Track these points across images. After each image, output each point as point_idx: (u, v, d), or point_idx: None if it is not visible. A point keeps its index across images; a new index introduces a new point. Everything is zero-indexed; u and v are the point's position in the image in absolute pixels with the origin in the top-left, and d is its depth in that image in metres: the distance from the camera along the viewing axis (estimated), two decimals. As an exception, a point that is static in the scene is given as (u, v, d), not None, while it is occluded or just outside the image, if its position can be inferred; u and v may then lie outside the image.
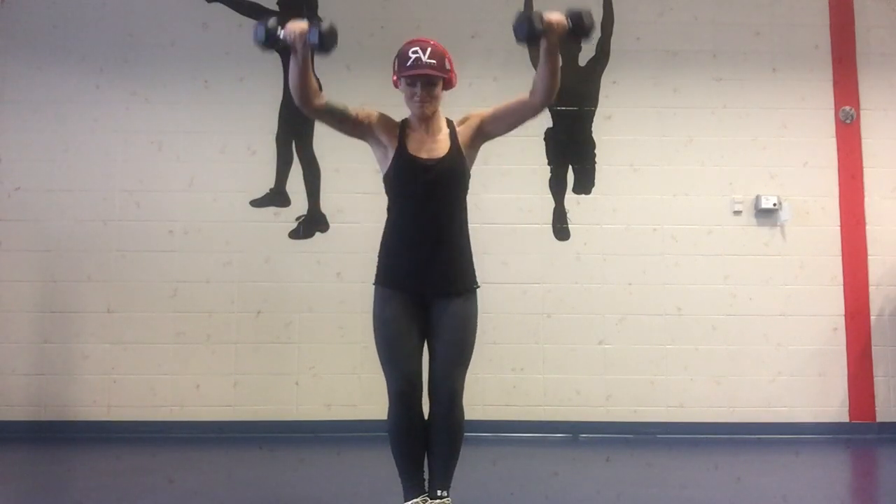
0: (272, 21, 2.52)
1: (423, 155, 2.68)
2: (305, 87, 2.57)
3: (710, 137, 5.17)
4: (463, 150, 2.72)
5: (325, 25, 2.46)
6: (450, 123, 2.78)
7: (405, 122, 2.76)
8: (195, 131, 5.11)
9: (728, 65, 5.22)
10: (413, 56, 2.62)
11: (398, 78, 2.70)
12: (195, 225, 5.04)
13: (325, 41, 2.45)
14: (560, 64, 2.61)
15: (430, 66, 2.61)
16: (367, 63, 5.15)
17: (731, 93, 5.20)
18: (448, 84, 2.73)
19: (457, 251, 2.71)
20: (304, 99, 2.60)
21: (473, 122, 2.75)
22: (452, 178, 2.70)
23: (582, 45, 2.47)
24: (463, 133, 2.74)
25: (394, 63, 2.71)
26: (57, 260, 4.98)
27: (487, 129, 2.75)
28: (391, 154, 2.70)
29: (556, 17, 2.47)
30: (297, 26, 2.47)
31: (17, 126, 5.07)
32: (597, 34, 2.54)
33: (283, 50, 2.55)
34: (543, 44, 2.52)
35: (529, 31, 2.47)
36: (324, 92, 2.68)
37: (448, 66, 2.69)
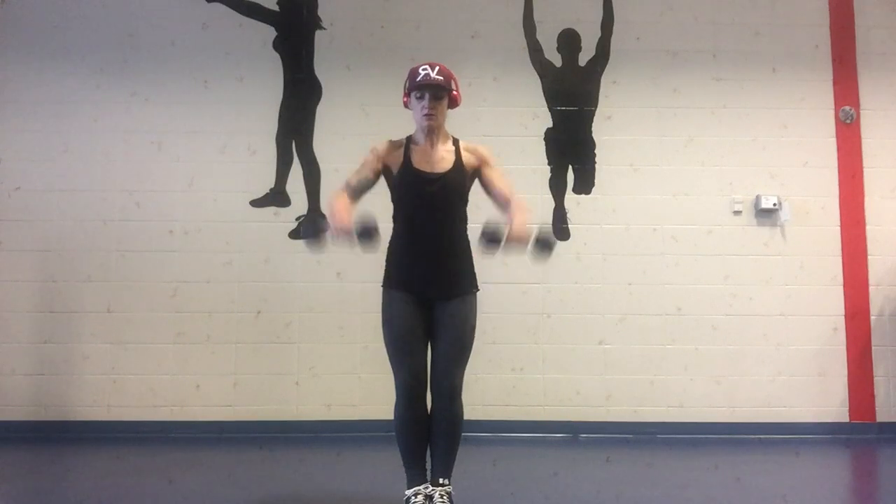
0: (318, 223, 2.76)
1: (427, 169, 2.88)
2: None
3: (710, 137, 5.17)
4: (465, 169, 2.93)
5: (368, 226, 2.62)
6: (455, 142, 2.97)
7: (410, 139, 2.96)
8: (195, 131, 5.11)
9: (728, 65, 5.22)
10: (423, 72, 2.85)
11: (408, 95, 2.91)
12: (195, 225, 5.04)
13: (371, 238, 2.63)
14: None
15: (437, 80, 2.83)
16: (367, 63, 5.16)
17: (731, 93, 5.20)
18: (453, 103, 2.94)
19: (457, 256, 2.91)
20: None
21: (476, 162, 2.95)
22: (454, 191, 2.89)
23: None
24: (467, 159, 2.94)
25: (404, 84, 2.92)
26: (57, 260, 4.98)
27: (480, 180, 2.97)
28: (398, 169, 2.91)
29: (518, 234, 2.64)
30: (343, 227, 2.65)
31: (17, 126, 5.07)
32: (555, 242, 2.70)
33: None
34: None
35: (489, 242, 2.61)
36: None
37: (454, 86, 2.92)
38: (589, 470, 4.05)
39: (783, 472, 3.97)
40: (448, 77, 2.88)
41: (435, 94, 2.85)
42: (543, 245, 2.71)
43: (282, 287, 5.01)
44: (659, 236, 5.10)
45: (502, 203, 2.90)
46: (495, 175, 2.94)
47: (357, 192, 2.89)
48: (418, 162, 2.89)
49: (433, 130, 2.89)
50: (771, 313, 5.04)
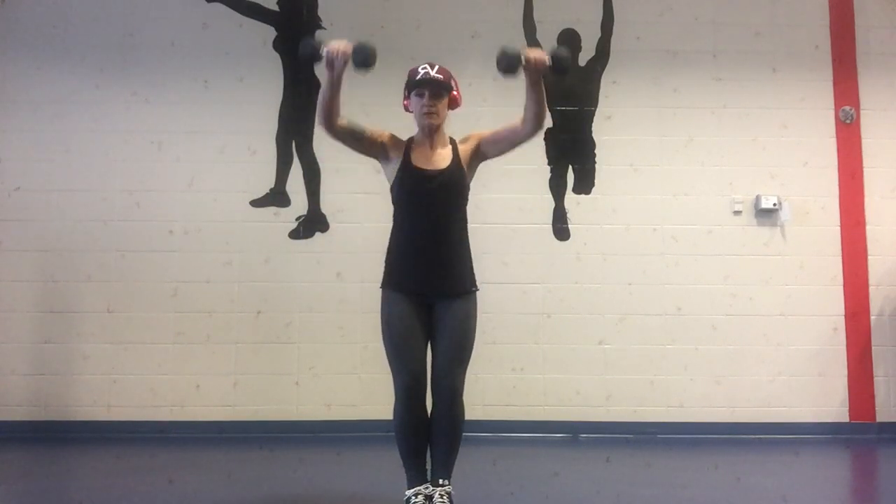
0: (316, 39, 2.74)
1: (427, 166, 2.87)
2: (333, 107, 2.79)
3: (710, 137, 5.17)
4: (463, 165, 2.91)
5: (366, 46, 2.67)
6: (452, 141, 2.97)
7: (411, 139, 2.96)
8: (195, 131, 5.11)
9: (728, 65, 5.22)
10: (422, 71, 2.86)
11: (409, 97, 2.91)
12: (195, 225, 5.04)
13: (367, 60, 2.67)
14: (544, 95, 2.76)
15: (437, 78, 2.84)
16: (367, 63, 5.15)
17: (731, 93, 5.20)
18: (453, 103, 2.93)
19: (457, 255, 2.89)
20: (329, 119, 2.81)
21: (472, 143, 2.94)
22: (453, 188, 2.88)
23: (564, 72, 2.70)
24: (463, 151, 2.93)
25: (404, 90, 2.93)
26: (57, 260, 4.98)
27: (483, 150, 2.95)
28: (398, 166, 2.89)
29: (536, 54, 2.66)
30: (340, 45, 2.68)
31: (17, 126, 5.07)
32: (573, 67, 2.71)
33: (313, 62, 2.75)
34: (525, 78, 2.70)
35: (508, 66, 2.64)
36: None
37: (454, 86, 2.91)
38: (589, 470, 4.05)
39: (783, 472, 3.97)
40: (448, 76, 2.89)
41: (434, 91, 2.84)
42: (560, 59, 2.68)
43: (282, 287, 5.01)
44: (659, 236, 5.10)
45: (517, 123, 2.85)
46: (492, 129, 2.93)
47: (349, 124, 2.85)
48: (418, 160, 2.87)
49: (433, 129, 2.88)
50: (771, 313, 5.04)
